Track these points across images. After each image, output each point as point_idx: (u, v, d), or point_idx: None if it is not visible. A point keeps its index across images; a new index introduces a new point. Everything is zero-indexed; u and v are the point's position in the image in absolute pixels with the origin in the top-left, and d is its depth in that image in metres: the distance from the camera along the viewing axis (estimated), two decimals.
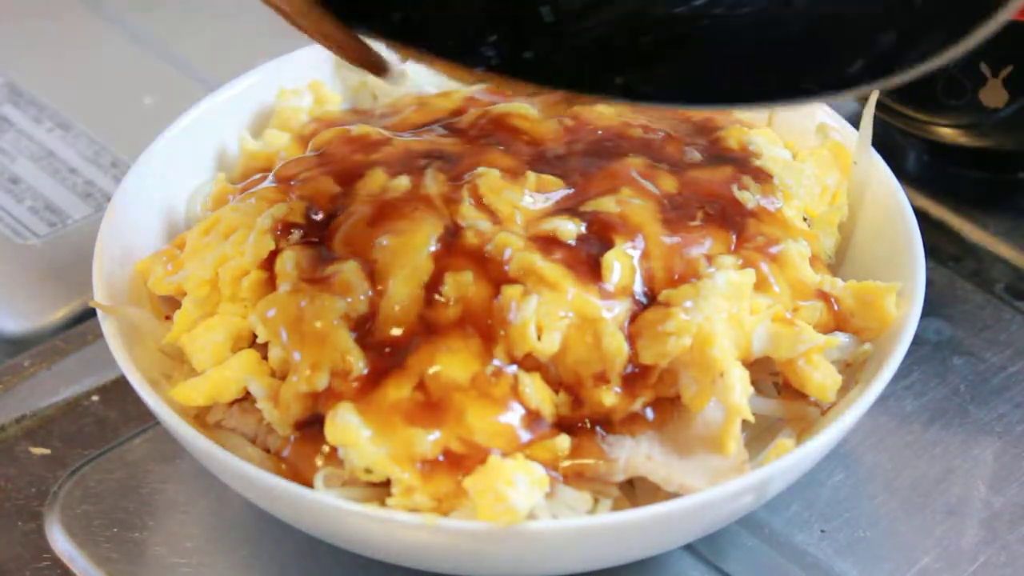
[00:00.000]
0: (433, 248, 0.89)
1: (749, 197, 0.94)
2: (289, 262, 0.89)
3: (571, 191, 0.92)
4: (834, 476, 0.97)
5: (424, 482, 0.83)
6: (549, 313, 0.86)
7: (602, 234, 0.90)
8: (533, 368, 0.86)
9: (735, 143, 0.98)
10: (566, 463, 0.85)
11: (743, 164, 0.96)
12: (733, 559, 0.93)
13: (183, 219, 1.00)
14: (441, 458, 0.84)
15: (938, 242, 1.10)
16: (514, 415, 0.85)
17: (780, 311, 0.89)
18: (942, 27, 0.77)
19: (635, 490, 0.87)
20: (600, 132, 0.97)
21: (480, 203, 0.91)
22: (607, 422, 0.86)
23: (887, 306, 0.92)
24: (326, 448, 0.85)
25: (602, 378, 0.86)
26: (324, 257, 0.89)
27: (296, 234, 0.91)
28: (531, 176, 0.93)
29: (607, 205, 0.91)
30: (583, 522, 0.83)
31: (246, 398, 0.89)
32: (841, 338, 0.91)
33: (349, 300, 0.87)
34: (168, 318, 0.94)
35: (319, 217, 0.92)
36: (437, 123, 0.99)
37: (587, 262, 0.88)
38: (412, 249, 0.88)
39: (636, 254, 0.89)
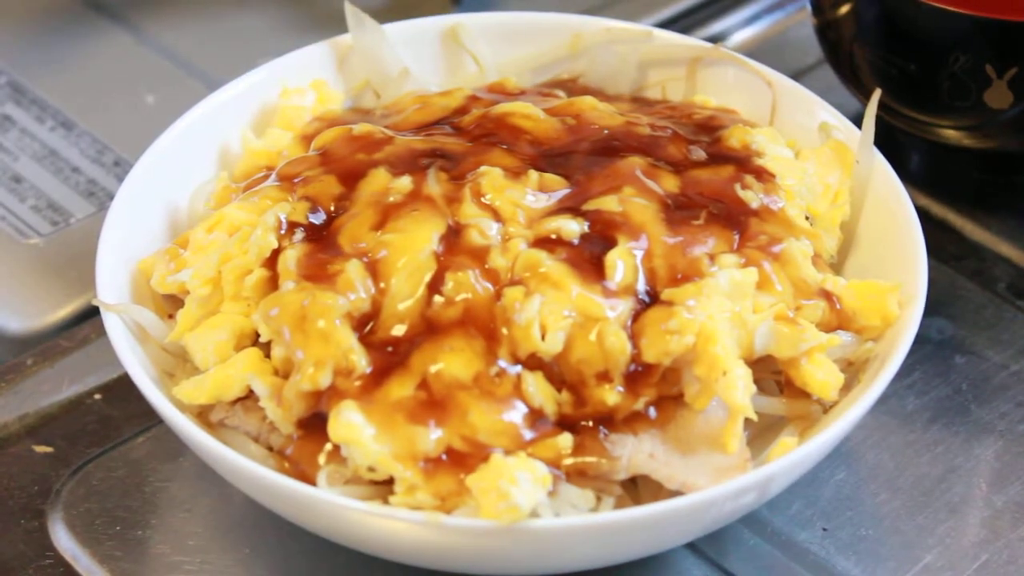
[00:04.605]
0: (436, 247, 0.89)
1: (752, 196, 0.94)
2: (292, 261, 0.89)
3: (573, 190, 0.92)
4: (836, 475, 0.97)
5: (427, 480, 0.83)
6: (553, 313, 0.86)
7: (605, 233, 0.90)
8: (536, 367, 0.86)
9: (737, 142, 0.98)
10: (569, 461, 0.85)
11: (745, 163, 0.96)
12: (735, 557, 0.93)
13: (186, 218, 1.00)
14: (444, 456, 0.84)
15: (940, 241, 1.10)
16: (517, 413, 0.85)
17: (783, 310, 0.89)
18: None
19: (638, 488, 0.87)
20: (602, 131, 0.97)
21: (482, 202, 0.91)
22: (610, 420, 0.86)
23: (889, 305, 0.92)
24: (329, 446, 0.85)
25: (605, 377, 0.86)
26: (327, 256, 0.89)
27: (299, 233, 0.91)
28: (533, 175, 0.93)
29: (609, 204, 0.91)
30: (586, 520, 0.83)
31: (249, 396, 0.89)
32: (843, 337, 0.92)
33: (352, 298, 0.87)
34: (171, 316, 0.94)
35: (322, 216, 0.92)
36: (439, 122, 0.99)
37: (590, 261, 0.88)
38: (414, 248, 0.89)
39: (639, 253, 0.89)
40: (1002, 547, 0.94)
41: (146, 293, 0.95)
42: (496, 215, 0.90)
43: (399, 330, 0.87)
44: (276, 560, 0.93)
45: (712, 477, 0.85)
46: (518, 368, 0.86)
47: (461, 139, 0.97)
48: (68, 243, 1.11)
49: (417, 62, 1.07)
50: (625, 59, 1.07)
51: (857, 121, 1.00)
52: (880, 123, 0.99)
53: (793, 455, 0.85)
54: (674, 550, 0.93)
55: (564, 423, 0.86)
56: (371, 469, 0.84)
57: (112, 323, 0.90)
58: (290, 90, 1.04)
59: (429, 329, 0.87)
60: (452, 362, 0.86)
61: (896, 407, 1.00)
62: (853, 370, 0.92)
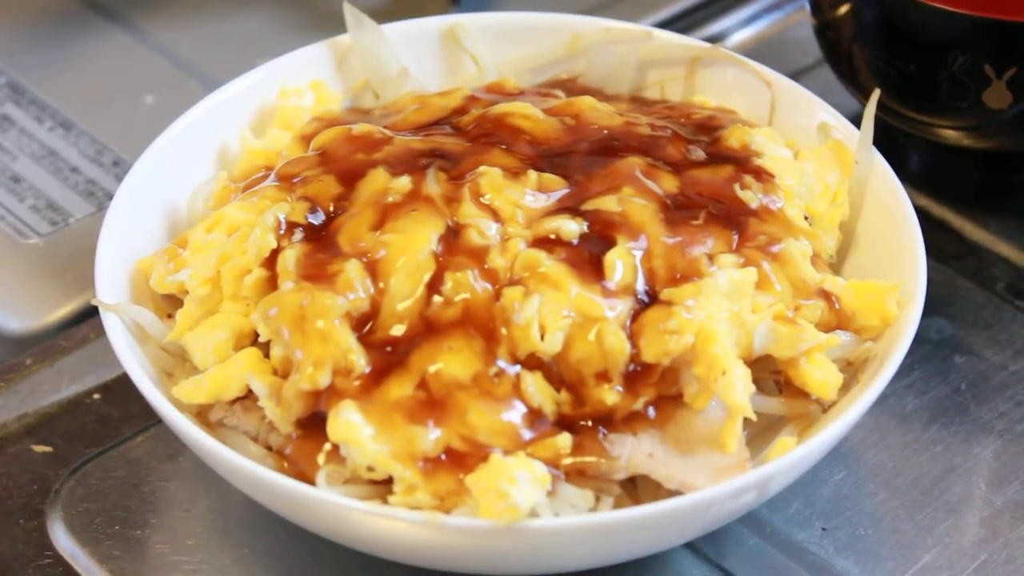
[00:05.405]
0: (435, 247, 0.89)
1: (751, 196, 0.94)
2: (291, 261, 0.89)
3: (572, 190, 0.92)
4: (835, 474, 0.97)
5: (426, 480, 0.83)
6: (552, 312, 0.86)
7: (604, 233, 0.90)
8: (535, 367, 0.86)
9: (736, 142, 0.98)
10: (568, 461, 0.85)
11: (744, 163, 0.96)
12: (734, 557, 0.93)
13: (185, 218, 1.00)
14: (443, 456, 0.84)
15: (939, 241, 1.10)
16: (516, 413, 0.85)
17: (782, 310, 0.89)
18: None
19: (637, 488, 0.87)
20: (601, 131, 0.97)
21: (481, 202, 0.91)
22: (609, 420, 0.86)
23: (888, 305, 0.92)
24: (328, 446, 0.85)
25: (604, 377, 0.86)
26: (326, 256, 0.90)
27: (298, 233, 0.91)
28: (532, 175, 0.93)
29: (609, 204, 0.91)
30: (585, 520, 0.83)
31: (248, 396, 0.89)
32: (842, 337, 0.92)
33: (351, 298, 0.87)
34: (170, 316, 0.94)
35: (321, 216, 0.92)
36: (438, 122, 0.99)
37: (589, 261, 0.89)
38: (414, 248, 0.89)
39: (638, 253, 0.89)
40: (1001, 547, 0.94)
41: (145, 293, 0.95)
42: (495, 215, 0.90)
43: (398, 330, 0.87)
44: (275, 560, 0.93)
45: (711, 477, 0.85)
46: (517, 368, 0.86)
47: (460, 139, 0.97)
48: (67, 243, 1.11)
49: (416, 62, 1.07)
50: (624, 59, 1.07)
51: (856, 121, 1.00)
52: (879, 123, 0.99)
53: (792, 455, 0.85)
54: (673, 550, 0.93)
55: (563, 423, 0.86)
56: (370, 469, 0.84)
57: (111, 323, 0.90)
58: (289, 90, 1.04)
59: (428, 329, 0.87)
60: (451, 362, 0.86)
61: (895, 407, 1.00)
62: (852, 370, 0.92)
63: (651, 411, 0.87)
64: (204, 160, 1.02)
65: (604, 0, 1.29)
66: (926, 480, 0.97)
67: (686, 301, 0.87)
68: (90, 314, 1.05)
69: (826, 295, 0.92)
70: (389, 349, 0.87)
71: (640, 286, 0.88)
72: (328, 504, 0.83)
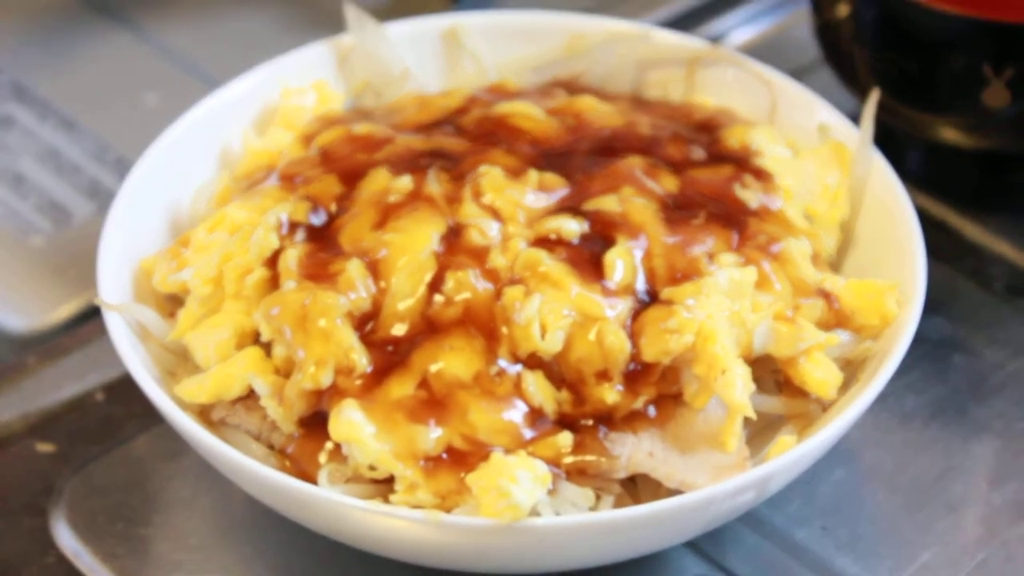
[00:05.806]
0: (436, 247, 0.89)
1: (751, 196, 0.94)
2: (293, 260, 0.90)
3: (573, 190, 0.93)
4: (835, 473, 0.97)
5: (427, 479, 0.84)
6: (552, 312, 0.86)
7: (604, 233, 0.90)
8: (536, 366, 0.87)
9: (736, 142, 0.98)
10: (568, 460, 0.85)
11: (744, 163, 0.96)
12: (734, 555, 0.93)
13: (187, 217, 1.00)
14: (444, 455, 0.84)
15: (938, 240, 1.10)
16: (517, 412, 0.86)
17: (781, 309, 0.89)
18: None
19: (637, 487, 0.87)
20: (602, 131, 0.97)
21: (482, 202, 0.91)
22: (609, 419, 0.87)
23: (888, 304, 0.92)
24: (330, 445, 0.86)
25: (604, 376, 0.86)
26: (328, 255, 0.90)
27: (300, 232, 0.91)
28: (533, 174, 0.93)
29: (609, 204, 0.91)
30: (585, 519, 0.83)
31: (250, 395, 0.89)
32: (842, 336, 0.92)
33: (353, 298, 0.88)
34: (172, 316, 0.95)
35: (323, 216, 0.92)
36: (440, 122, 1.00)
37: (589, 260, 0.89)
38: (415, 247, 0.89)
39: (638, 253, 0.89)
40: (1000, 545, 0.94)
41: (148, 292, 0.95)
42: (496, 215, 0.91)
43: (400, 329, 0.87)
44: (277, 558, 0.93)
45: (711, 475, 0.85)
46: (518, 367, 0.86)
47: (461, 139, 0.97)
48: (70, 242, 1.11)
49: (417, 62, 1.07)
50: (624, 59, 1.07)
51: (856, 121, 1.00)
52: (879, 123, 0.99)
53: (792, 454, 0.85)
54: (673, 548, 0.93)
55: (564, 422, 0.87)
56: (372, 468, 0.84)
57: (114, 322, 0.90)
58: (291, 90, 1.05)
59: (429, 328, 0.87)
60: (452, 361, 0.86)
61: (894, 406, 1.01)
62: (852, 369, 0.92)
63: (651, 410, 0.87)
64: (206, 159, 1.02)
65: (604, 0, 1.29)
66: (925, 479, 0.97)
67: (686, 300, 0.87)
68: (93, 313, 1.05)
69: (826, 294, 0.92)
70: (391, 348, 0.87)
71: (640, 285, 0.89)
72: (330, 503, 0.83)
